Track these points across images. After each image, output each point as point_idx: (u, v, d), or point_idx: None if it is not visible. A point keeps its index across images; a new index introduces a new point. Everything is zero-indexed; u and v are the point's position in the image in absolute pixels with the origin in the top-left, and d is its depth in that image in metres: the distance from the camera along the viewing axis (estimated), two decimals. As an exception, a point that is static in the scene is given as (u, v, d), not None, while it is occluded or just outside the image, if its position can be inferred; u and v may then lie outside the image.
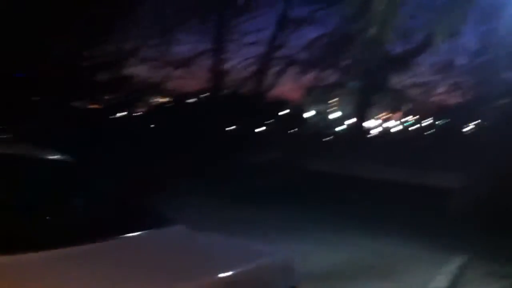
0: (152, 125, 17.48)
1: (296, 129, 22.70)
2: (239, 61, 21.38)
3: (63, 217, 3.11)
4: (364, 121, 20.77)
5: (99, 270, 2.43)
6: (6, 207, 2.83)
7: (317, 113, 27.07)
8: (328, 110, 27.75)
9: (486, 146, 13.00)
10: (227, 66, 20.91)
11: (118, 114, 17.81)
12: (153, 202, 3.56)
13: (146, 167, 12.25)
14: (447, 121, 19.92)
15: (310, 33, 20.30)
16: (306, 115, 26.30)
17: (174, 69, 20.28)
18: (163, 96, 23.39)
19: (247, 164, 14.21)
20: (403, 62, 19.83)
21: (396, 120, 29.60)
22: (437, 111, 22.27)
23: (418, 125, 27.03)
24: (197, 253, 3.13)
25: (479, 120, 17.78)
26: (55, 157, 3.45)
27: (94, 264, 2.48)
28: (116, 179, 3.76)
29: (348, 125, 23.94)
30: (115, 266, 2.52)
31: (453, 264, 7.59)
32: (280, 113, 23.00)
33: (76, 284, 2.22)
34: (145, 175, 10.87)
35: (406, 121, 28.97)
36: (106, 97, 16.59)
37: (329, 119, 27.44)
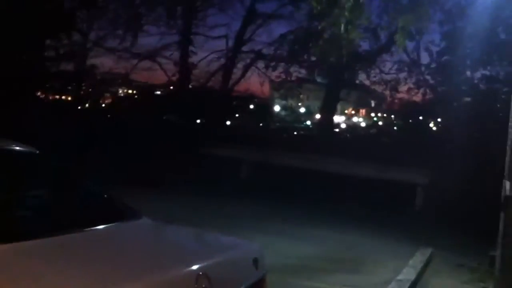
0: (117, 117, 17.26)
1: (263, 123, 22.72)
2: (206, 55, 21.31)
3: (25, 210, 3.01)
4: (331, 116, 20.94)
5: (61, 263, 2.34)
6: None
7: (284, 108, 27.17)
8: (295, 105, 27.88)
9: (452, 143, 13.25)
10: (194, 59, 20.81)
11: (83, 105, 17.54)
12: (118, 195, 3.46)
13: (111, 159, 12.10)
14: (413, 118, 20.22)
15: (278, 28, 20.40)
16: (272, 109, 26.36)
17: (140, 61, 20.08)
18: (129, 87, 23.15)
19: (213, 158, 14.14)
20: (370, 59, 20.08)
21: (363, 116, 29.96)
22: (404, 108, 22.60)
23: (385, 122, 27.39)
24: (164, 246, 3.06)
25: (444, 118, 18.10)
26: (17, 148, 3.32)
27: (56, 258, 2.39)
28: (82, 172, 3.65)
29: (315, 120, 24.11)
30: (78, 260, 2.43)
31: (420, 257, 7.69)
32: (246, 107, 22.98)
33: (35, 278, 2.11)
34: (110, 167, 10.74)
35: (373, 117, 29.35)
36: (71, 88, 16.33)
37: (296, 114, 27.57)
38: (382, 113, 28.81)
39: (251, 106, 23.33)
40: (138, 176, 11.30)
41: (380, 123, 27.93)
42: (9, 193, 3.08)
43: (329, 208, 11.07)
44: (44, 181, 3.41)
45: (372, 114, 29.55)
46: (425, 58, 19.75)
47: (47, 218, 2.95)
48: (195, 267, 2.56)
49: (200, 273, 2.52)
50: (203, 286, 2.49)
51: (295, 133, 23.40)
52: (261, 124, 22.24)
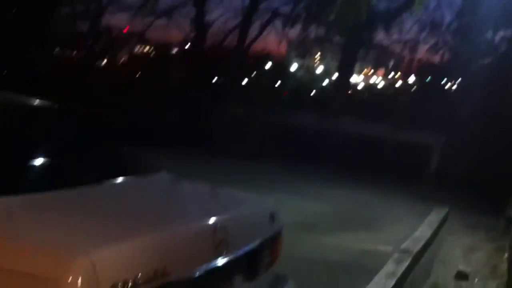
0: (134, 75, 17.21)
1: (280, 83, 22.58)
2: (223, 12, 21.04)
3: (44, 162, 3.06)
4: (348, 76, 20.73)
5: (80, 214, 2.40)
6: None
7: (301, 67, 26.94)
8: (312, 65, 27.62)
9: (469, 105, 13.11)
10: (210, 17, 20.57)
11: (100, 63, 17.52)
12: (136, 150, 3.52)
13: (130, 115, 12.18)
14: (431, 79, 19.97)
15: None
16: (289, 69, 26.14)
17: (156, 19, 19.91)
18: (145, 46, 23.02)
19: (230, 117, 14.16)
20: (389, 18, 19.71)
21: (380, 77, 29.59)
22: (422, 69, 22.30)
23: (402, 82, 27.08)
24: (182, 199, 3.13)
25: (463, 79, 17.86)
26: (37, 102, 3.38)
27: (75, 209, 2.45)
28: (100, 126, 3.70)
29: (332, 80, 23.89)
30: (96, 210, 2.49)
31: (435, 216, 7.74)
32: (263, 67, 22.82)
33: (58, 228, 2.18)
34: (129, 123, 10.83)
35: (390, 78, 29.01)
36: (88, 46, 16.27)
37: (314, 74, 27.33)
38: (400, 74, 28.48)
39: (267, 66, 23.15)
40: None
41: (398, 84, 27.64)
42: (29, 146, 3.15)
43: (344, 168, 11.10)
44: (64, 135, 3.46)
45: (390, 75, 29.23)
46: (445, 19, 19.29)
47: (65, 170, 3.01)
48: (212, 220, 2.61)
49: (217, 226, 2.57)
50: (220, 239, 2.54)
51: (311, 93, 23.25)
52: (277, 84, 22.10)
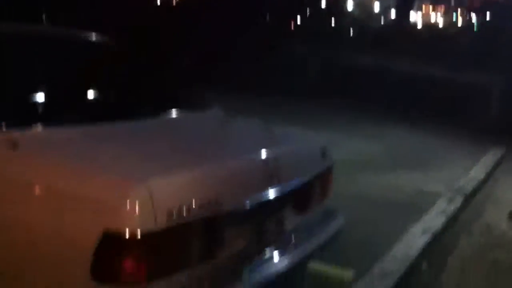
0: (201, 13, 17.06)
1: (336, 22, 22.02)
2: None
3: (103, 95, 3.18)
4: (406, 14, 20.02)
5: (136, 147, 2.50)
6: (52, 84, 2.92)
7: (358, 5, 26.13)
8: (369, 3, 26.71)
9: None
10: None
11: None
12: (194, 86, 3.59)
13: (191, 52, 12.25)
14: (495, 18, 19.01)
15: None
16: (345, 8, 25.38)
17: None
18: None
19: (290, 56, 14.05)
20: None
21: (441, 15, 28.40)
22: (486, 7, 21.21)
23: (462, 21, 25.94)
24: (235, 134, 3.19)
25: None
26: (95, 37, 3.47)
27: (131, 141, 2.55)
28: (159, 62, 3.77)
29: (390, 19, 23.12)
30: (152, 143, 2.58)
31: (491, 157, 7.60)
32: (319, 6, 22.25)
33: (117, 157, 2.29)
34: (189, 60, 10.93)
35: (452, 16, 27.78)
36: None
37: (371, 13, 26.46)
38: (462, 12, 27.23)
39: (323, 4, 22.56)
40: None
41: (458, 23, 26.48)
42: (87, 80, 3.27)
43: (400, 108, 10.91)
44: (121, 69, 3.56)
45: (450, 14, 28.00)
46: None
47: (125, 104, 3.12)
48: (264, 154, 2.67)
49: (269, 160, 2.63)
50: (271, 172, 2.60)
51: (368, 32, 22.60)
52: (332, 22, 21.56)
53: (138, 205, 1.95)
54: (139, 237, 1.94)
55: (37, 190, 2.05)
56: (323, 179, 3.12)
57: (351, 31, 20.15)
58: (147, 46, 6.61)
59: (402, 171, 6.68)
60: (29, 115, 2.56)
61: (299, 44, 14.55)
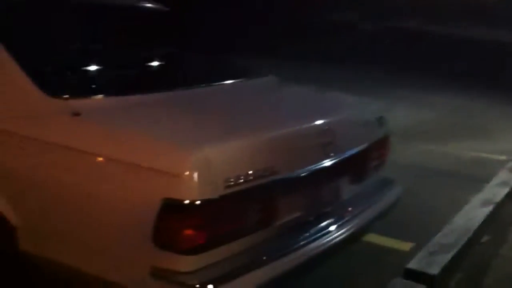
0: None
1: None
2: None
3: (156, 64, 3.20)
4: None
5: (197, 114, 2.51)
6: (110, 53, 2.95)
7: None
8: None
9: None
10: None
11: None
12: (245, 55, 3.56)
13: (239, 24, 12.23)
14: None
15: None
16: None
17: None
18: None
19: (334, 24, 13.79)
20: None
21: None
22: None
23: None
24: (289, 102, 3.15)
25: None
26: (149, 5, 3.47)
27: (188, 108, 2.56)
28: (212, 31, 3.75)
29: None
30: (208, 110, 2.58)
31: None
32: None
33: (175, 125, 2.30)
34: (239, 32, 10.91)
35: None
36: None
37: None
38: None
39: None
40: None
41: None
42: (144, 49, 3.29)
43: (456, 74, 10.56)
44: (175, 39, 3.56)
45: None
46: None
47: (180, 72, 3.13)
48: (319, 122, 2.62)
49: (325, 128, 2.58)
50: (327, 141, 2.56)
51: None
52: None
53: (197, 174, 1.95)
54: (197, 205, 1.95)
55: (98, 158, 2.08)
56: (379, 148, 3.05)
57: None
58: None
59: (459, 139, 6.50)
60: (90, 84, 2.60)
61: (342, 9, 14.22)
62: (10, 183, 2.22)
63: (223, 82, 3.04)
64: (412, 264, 2.97)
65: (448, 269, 3.04)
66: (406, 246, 3.60)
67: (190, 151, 2.00)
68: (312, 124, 2.61)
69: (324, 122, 2.63)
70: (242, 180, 2.09)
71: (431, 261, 3.00)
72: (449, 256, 3.10)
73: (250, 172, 2.12)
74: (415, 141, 6.15)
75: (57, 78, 2.52)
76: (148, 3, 3.46)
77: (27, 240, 2.22)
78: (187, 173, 1.95)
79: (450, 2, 15.50)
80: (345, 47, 12.57)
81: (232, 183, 2.05)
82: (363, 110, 3.13)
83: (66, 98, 2.26)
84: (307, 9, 14.31)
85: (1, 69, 2.33)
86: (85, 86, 2.54)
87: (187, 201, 1.94)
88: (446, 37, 12.32)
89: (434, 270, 2.93)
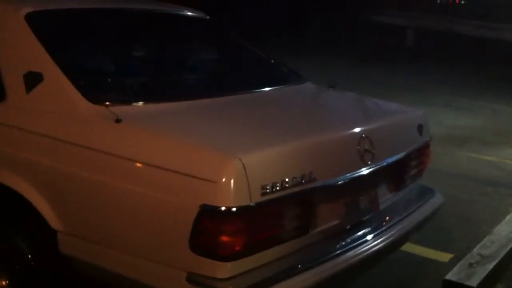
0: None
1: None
2: None
3: (196, 72, 3.23)
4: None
5: (234, 120, 2.52)
6: (151, 61, 3.00)
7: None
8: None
9: None
10: None
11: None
12: (283, 60, 3.56)
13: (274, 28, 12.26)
14: None
15: None
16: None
17: None
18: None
19: (376, 25, 13.67)
20: None
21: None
22: None
23: None
24: (327, 108, 3.14)
25: None
26: (189, 13, 3.51)
27: (229, 115, 2.58)
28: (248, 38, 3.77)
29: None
30: (247, 117, 2.60)
31: None
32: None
33: (212, 131, 2.32)
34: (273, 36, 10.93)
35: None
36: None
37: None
38: None
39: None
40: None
41: None
42: (184, 56, 3.33)
43: (504, 79, 10.30)
44: (214, 46, 3.59)
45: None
46: None
47: (216, 80, 3.15)
48: (358, 129, 2.59)
49: (363, 135, 2.56)
50: (366, 148, 2.53)
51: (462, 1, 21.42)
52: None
53: (234, 180, 1.96)
54: (234, 211, 1.96)
55: (138, 164, 2.11)
56: (419, 155, 3.01)
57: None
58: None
59: (501, 147, 6.34)
60: (131, 91, 2.65)
61: (389, 13, 14.09)
62: (52, 188, 2.28)
63: (262, 89, 3.05)
64: (451, 276, 2.91)
65: (488, 281, 2.97)
66: (445, 256, 3.53)
67: (228, 158, 2.01)
68: (350, 131, 2.58)
69: (363, 129, 2.60)
70: (278, 187, 2.09)
71: (470, 272, 2.94)
72: (489, 267, 3.02)
73: (287, 179, 2.12)
74: (456, 148, 6.03)
75: (100, 85, 2.57)
76: (189, 11, 3.50)
77: (67, 244, 2.27)
78: (224, 180, 1.96)
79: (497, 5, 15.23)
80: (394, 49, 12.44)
81: (268, 190, 2.05)
82: (402, 117, 3.09)
83: (108, 105, 2.30)
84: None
85: (46, 77, 2.39)
86: (126, 93, 2.59)
87: (224, 208, 1.95)
88: (504, 42, 12.05)
89: (474, 282, 2.87)
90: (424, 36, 13.56)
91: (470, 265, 3.01)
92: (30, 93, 2.39)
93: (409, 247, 3.35)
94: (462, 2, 16.97)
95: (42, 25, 2.57)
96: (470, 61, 11.49)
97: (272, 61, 3.49)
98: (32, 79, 2.40)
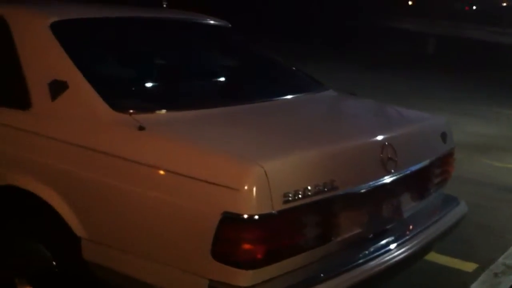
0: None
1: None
2: None
3: (216, 79, 3.25)
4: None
5: (255, 128, 2.53)
6: (174, 69, 3.01)
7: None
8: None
9: None
10: None
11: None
12: (302, 68, 3.56)
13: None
14: None
15: None
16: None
17: None
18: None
19: (397, 31, 13.62)
20: None
21: None
22: None
23: None
24: (350, 116, 3.13)
25: None
26: (211, 22, 3.53)
27: (251, 123, 2.58)
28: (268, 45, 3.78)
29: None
30: (269, 125, 2.60)
31: None
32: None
33: (233, 139, 2.32)
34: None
35: None
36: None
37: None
38: None
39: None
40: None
41: None
42: (205, 64, 3.34)
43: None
44: (236, 54, 3.60)
45: None
46: None
47: (238, 88, 3.16)
48: (380, 137, 2.58)
49: (386, 143, 2.54)
50: (389, 156, 2.51)
51: (474, 7, 21.22)
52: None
53: (256, 188, 1.96)
54: (256, 219, 1.95)
55: (160, 171, 2.12)
56: (442, 164, 2.98)
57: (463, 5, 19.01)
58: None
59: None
60: (154, 99, 2.67)
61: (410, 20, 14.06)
62: (76, 195, 2.30)
63: (284, 97, 3.05)
64: (476, 286, 2.88)
65: (514, 291, 2.93)
66: (469, 266, 3.48)
67: (249, 165, 2.01)
68: (373, 138, 2.57)
69: (385, 137, 2.58)
70: (301, 195, 2.08)
71: (495, 283, 2.90)
72: (515, 278, 2.98)
73: (309, 187, 2.11)
74: (480, 157, 5.96)
75: (124, 93, 2.60)
76: (212, 19, 3.52)
77: (91, 250, 2.29)
78: (246, 187, 1.96)
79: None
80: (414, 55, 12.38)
81: (291, 198, 2.04)
82: (425, 124, 3.06)
83: (132, 113, 2.32)
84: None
85: (71, 86, 2.42)
86: (150, 101, 2.61)
87: (245, 216, 1.95)
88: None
89: (499, 292, 2.83)
90: (438, 42, 13.49)
91: (495, 275, 2.97)
92: (55, 101, 2.42)
93: (432, 256, 3.31)
94: (474, 7, 16.82)
95: (67, 34, 2.61)
96: (494, 66, 11.37)
97: (294, 68, 3.49)
98: (57, 87, 2.42)
